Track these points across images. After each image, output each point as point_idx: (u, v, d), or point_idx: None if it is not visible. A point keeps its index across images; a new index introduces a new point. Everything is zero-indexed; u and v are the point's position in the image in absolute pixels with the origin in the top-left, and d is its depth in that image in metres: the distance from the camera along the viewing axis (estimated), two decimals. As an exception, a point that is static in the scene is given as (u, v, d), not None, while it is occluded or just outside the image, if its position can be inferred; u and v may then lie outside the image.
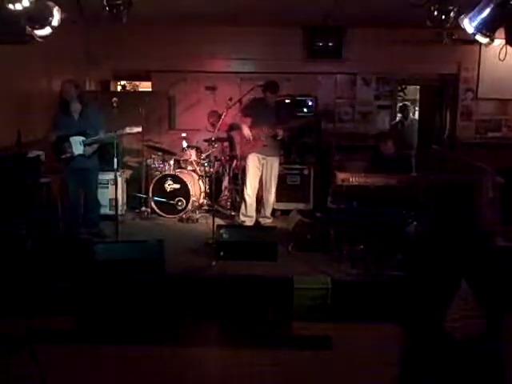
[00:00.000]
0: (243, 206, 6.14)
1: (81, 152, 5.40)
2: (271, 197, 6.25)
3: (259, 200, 6.28)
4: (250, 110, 6.02)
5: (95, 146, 5.49)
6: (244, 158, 6.16)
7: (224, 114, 6.37)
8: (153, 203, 6.65)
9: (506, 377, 2.18)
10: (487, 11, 3.61)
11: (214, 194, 5.97)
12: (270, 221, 6.33)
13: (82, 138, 5.38)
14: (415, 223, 4.76)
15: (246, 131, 5.94)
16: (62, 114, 5.51)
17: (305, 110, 7.09)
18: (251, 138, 5.93)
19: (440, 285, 2.16)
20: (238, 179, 6.69)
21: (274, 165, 6.15)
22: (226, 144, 7.04)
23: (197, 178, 6.84)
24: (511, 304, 2.92)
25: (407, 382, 2.18)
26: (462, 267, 2.14)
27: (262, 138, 5.96)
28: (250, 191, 6.09)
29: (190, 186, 6.54)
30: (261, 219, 6.26)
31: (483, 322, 2.13)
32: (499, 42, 3.99)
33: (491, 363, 2.16)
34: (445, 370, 2.15)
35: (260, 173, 6.12)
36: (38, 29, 3.79)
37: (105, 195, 6.26)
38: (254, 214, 6.19)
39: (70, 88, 5.43)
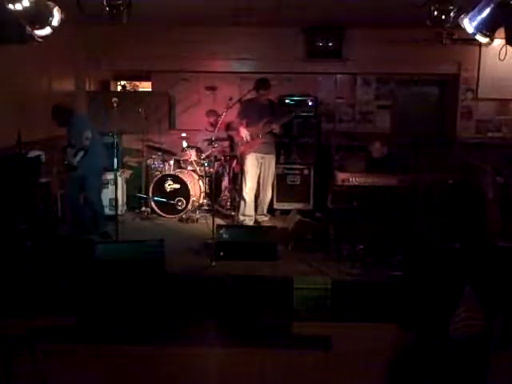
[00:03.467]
0: (242, 206, 6.16)
1: (73, 162, 5.50)
2: (268, 195, 6.33)
3: (256, 198, 6.31)
4: (244, 113, 6.08)
5: (81, 154, 5.50)
6: (243, 159, 6.18)
7: (223, 114, 6.37)
8: (153, 203, 6.65)
9: (487, 374, 2.20)
10: (487, 11, 3.61)
11: (213, 194, 5.97)
12: (266, 218, 6.39)
13: (71, 150, 5.49)
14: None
15: (244, 132, 6.01)
16: None
17: (305, 109, 7.08)
18: (249, 138, 6.00)
19: (444, 288, 2.16)
20: (238, 179, 6.69)
21: (271, 163, 6.24)
22: (226, 144, 7.04)
23: (197, 178, 6.84)
24: (505, 305, 2.92)
25: (399, 381, 2.19)
26: (466, 270, 2.14)
27: (260, 137, 6.02)
28: (249, 191, 6.13)
29: (190, 186, 6.54)
30: (258, 217, 6.29)
31: (483, 324, 2.14)
32: (499, 41, 4.00)
33: (480, 362, 2.18)
34: (440, 369, 2.16)
35: (259, 172, 6.16)
36: (38, 29, 3.79)
37: (105, 195, 6.26)
38: (253, 213, 6.23)
39: (55, 118, 5.55)
